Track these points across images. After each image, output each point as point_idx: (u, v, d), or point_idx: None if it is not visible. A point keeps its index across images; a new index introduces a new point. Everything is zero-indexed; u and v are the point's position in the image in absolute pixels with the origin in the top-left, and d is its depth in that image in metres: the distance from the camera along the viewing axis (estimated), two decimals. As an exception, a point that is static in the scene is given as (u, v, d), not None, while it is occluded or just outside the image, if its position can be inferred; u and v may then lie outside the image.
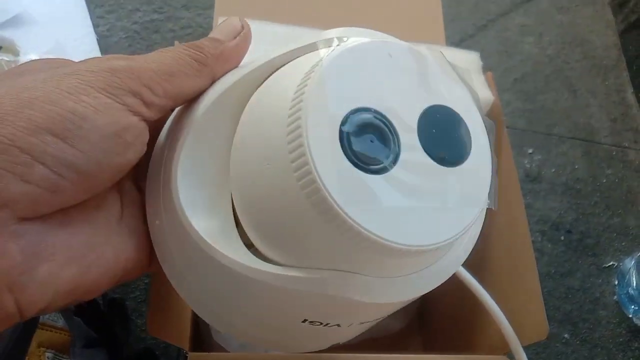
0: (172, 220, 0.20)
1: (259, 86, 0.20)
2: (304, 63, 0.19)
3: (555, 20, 0.78)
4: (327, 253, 0.18)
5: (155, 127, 0.22)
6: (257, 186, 0.18)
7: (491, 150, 0.20)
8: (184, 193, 0.20)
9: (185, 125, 0.20)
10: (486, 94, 0.40)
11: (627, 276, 0.61)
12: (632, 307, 0.60)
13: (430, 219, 0.17)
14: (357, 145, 0.17)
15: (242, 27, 0.22)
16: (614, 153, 0.70)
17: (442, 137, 0.18)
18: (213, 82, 0.21)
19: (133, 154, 0.19)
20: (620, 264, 0.63)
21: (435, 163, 0.18)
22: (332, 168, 0.16)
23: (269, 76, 0.20)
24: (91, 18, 0.61)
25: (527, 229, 0.40)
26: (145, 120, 0.19)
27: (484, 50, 0.73)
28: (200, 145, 0.20)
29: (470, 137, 0.19)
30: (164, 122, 0.23)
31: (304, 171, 0.16)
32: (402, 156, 0.17)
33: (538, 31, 0.76)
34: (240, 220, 0.19)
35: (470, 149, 0.19)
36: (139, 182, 0.23)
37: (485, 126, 0.20)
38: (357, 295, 0.18)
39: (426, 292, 0.20)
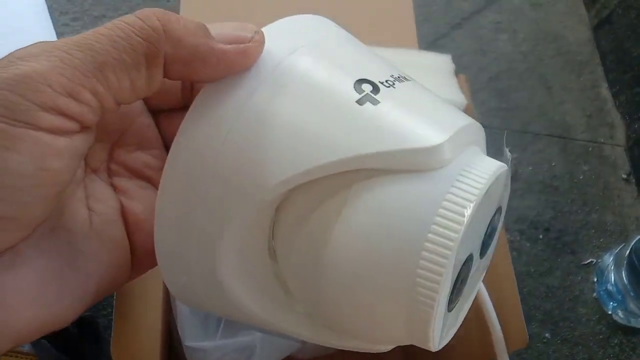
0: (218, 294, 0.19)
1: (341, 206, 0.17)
2: (421, 203, 0.16)
3: (528, 16, 0.78)
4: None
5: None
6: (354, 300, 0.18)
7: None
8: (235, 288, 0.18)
9: (216, 233, 0.17)
10: (459, 98, 0.39)
11: (606, 273, 0.60)
12: (611, 303, 0.60)
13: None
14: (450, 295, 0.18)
15: (250, 39, 0.17)
16: (590, 149, 0.70)
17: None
18: (186, 82, 0.17)
19: (68, 175, 0.16)
20: (599, 260, 0.63)
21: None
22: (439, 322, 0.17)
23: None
24: (55, 27, 0.60)
25: (503, 235, 0.40)
26: (78, 132, 0.16)
27: (458, 48, 0.73)
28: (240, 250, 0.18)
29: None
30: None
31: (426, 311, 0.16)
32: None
33: (512, 28, 0.76)
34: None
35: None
36: (111, 162, 0.20)
37: (460, 108, 0.21)
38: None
39: None
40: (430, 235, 0.15)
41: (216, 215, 0.17)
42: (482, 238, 0.18)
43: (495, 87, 0.71)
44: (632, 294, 0.57)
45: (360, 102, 0.17)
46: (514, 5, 0.78)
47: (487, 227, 0.18)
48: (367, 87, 0.17)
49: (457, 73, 0.45)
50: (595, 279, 0.62)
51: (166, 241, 0.18)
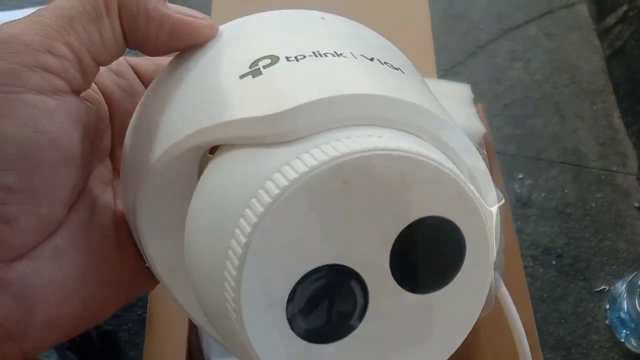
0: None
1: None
2: (253, 177, 0.14)
3: (543, 45, 0.79)
4: None
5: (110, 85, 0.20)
6: (216, 327, 0.16)
7: (499, 232, 0.16)
8: (159, 263, 0.18)
9: (141, 173, 0.17)
10: (478, 126, 0.40)
11: (619, 300, 0.61)
12: (624, 331, 0.60)
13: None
14: (310, 316, 0.13)
15: (205, 19, 0.18)
16: (603, 177, 0.70)
17: (424, 258, 0.14)
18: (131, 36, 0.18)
19: (68, 141, 0.16)
20: (612, 287, 0.63)
21: (414, 295, 0.14)
22: (280, 351, 0.13)
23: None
24: None
25: (519, 259, 0.40)
26: (68, 93, 0.16)
27: (473, 76, 0.74)
28: (162, 199, 0.18)
29: (463, 243, 0.15)
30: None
31: (247, 353, 0.14)
32: (371, 304, 0.14)
33: (526, 57, 0.78)
34: None
35: (464, 258, 0.15)
36: None
37: (480, 137, 0.18)
38: None
39: None
40: (240, 220, 0.13)
41: (136, 174, 0.18)
42: (381, 252, 0.14)
43: (511, 114, 0.73)
44: (644, 322, 0.57)
45: (242, 76, 0.16)
46: (528, 35, 0.80)
47: (396, 240, 0.14)
48: (264, 62, 0.16)
49: (474, 101, 0.47)
50: (608, 306, 0.62)
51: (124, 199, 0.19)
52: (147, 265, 0.20)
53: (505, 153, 0.70)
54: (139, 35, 0.18)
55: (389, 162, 0.13)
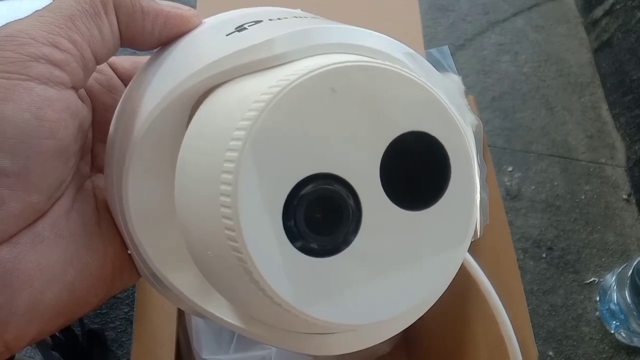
0: (148, 269, 0.19)
1: (200, 103, 0.17)
2: (243, 98, 0.15)
3: (530, 38, 0.79)
4: (286, 324, 0.17)
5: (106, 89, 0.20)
6: (206, 265, 0.16)
7: (477, 160, 0.17)
8: (149, 247, 0.18)
9: (127, 147, 0.18)
10: (470, 118, 0.40)
11: (609, 292, 0.61)
12: (614, 322, 0.60)
13: (403, 283, 0.15)
14: (307, 228, 0.14)
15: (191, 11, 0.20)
16: (592, 169, 0.71)
17: (412, 174, 0.15)
18: (127, 32, 0.19)
19: (65, 132, 0.17)
20: (601, 279, 0.64)
21: (405, 211, 0.15)
22: (278, 263, 0.14)
23: (215, 88, 0.17)
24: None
25: (512, 252, 0.40)
26: (68, 87, 0.17)
27: (462, 69, 0.74)
28: (150, 175, 0.18)
29: (447, 160, 0.15)
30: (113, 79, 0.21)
31: (247, 269, 0.14)
32: (364, 218, 0.14)
33: (514, 50, 0.78)
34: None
35: (449, 175, 0.15)
36: None
37: (472, 129, 0.18)
38: (319, 350, 0.17)
39: (396, 333, 0.19)
40: (235, 132, 0.14)
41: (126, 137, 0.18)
42: (372, 164, 0.14)
43: (499, 107, 0.72)
44: (635, 313, 0.57)
45: (229, 34, 0.17)
46: (516, 28, 0.80)
47: (384, 154, 0.14)
48: (248, 24, 0.18)
49: (465, 93, 0.46)
50: (598, 298, 0.63)
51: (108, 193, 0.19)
52: (129, 252, 0.19)
53: (494, 146, 0.70)
54: (136, 29, 0.19)
55: (375, 73, 0.14)
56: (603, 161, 0.72)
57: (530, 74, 0.76)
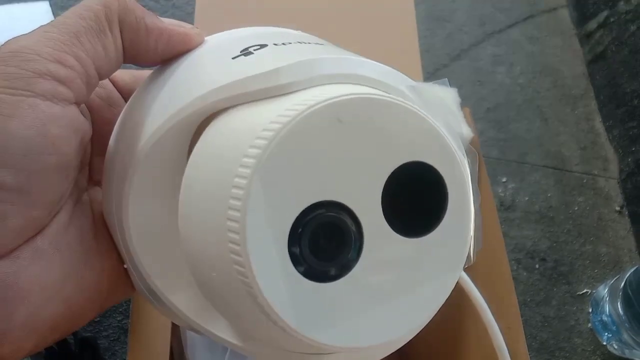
0: (144, 284, 0.19)
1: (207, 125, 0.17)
2: (252, 126, 0.15)
3: (525, 50, 0.80)
4: (286, 344, 0.17)
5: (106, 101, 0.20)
6: (209, 285, 0.16)
7: (473, 186, 0.17)
8: (147, 263, 0.18)
9: (129, 164, 0.18)
10: (467, 131, 0.40)
11: (601, 304, 0.61)
12: (606, 334, 0.61)
13: (400, 308, 0.15)
14: (311, 254, 0.14)
15: (192, 30, 0.20)
16: (585, 181, 0.71)
17: (411, 202, 0.16)
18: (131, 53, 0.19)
19: (68, 147, 0.17)
20: (594, 291, 0.64)
21: (405, 238, 0.15)
22: (282, 287, 0.14)
23: (220, 112, 0.17)
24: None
25: (507, 263, 0.40)
26: (72, 103, 0.17)
27: (457, 79, 0.74)
28: (150, 193, 0.18)
29: (445, 189, 0.16)
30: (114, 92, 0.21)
31: (252, 293, 0.14)
32: (366, 245, 0.15)
33: (509, 61, 0.78)
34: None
35: (447, 204, 0.16)
36: None
37: (467, 156, 0.18)
38: None
39: (391, 352, 0.19)
40: (244, 159, 0.14)
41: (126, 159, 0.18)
42: (374, 193, 0.15)
43: (494, 118, 0.73)
44: (627, 325, 0.57)
45: (235, 57, 0.17)
46: (511, 39, 0.80)
47: (386, 182, 0.15)
48: (253, 48, 0.18)
49: (461, 105, 0.47)
50: (591, 310, 0.63)
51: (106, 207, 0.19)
52: (125, 266, 0.20)
53: (488, 156, 0.70)
54: (140, 46, 0.19)
55: (380, 105, 0.15)
56: (596, 173, 0.72)
57: (525, 85, 0.77)
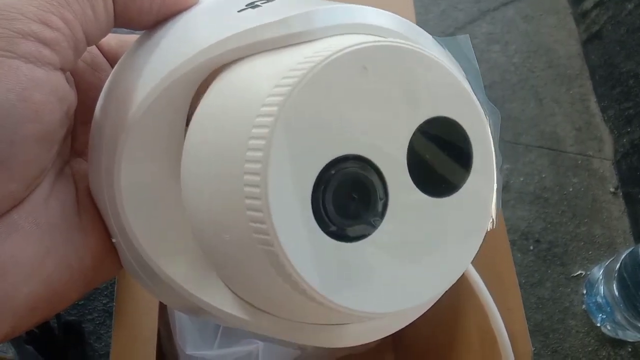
0: (136, 258, 0.18)
1: (210, 81, 0.16)
2: (269, 74, 0.14)
3: (520, 28, 0.78)
4: (300, 314, 0.16)
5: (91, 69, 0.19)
6: (218, 249, 0.15)
7: (495, 148, 0.17)
8: (141, 232, 0.17)
9: (120, 129, 0.17)
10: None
11: (596, 285, 0.61)
12: (600, 315, 0.60)
13: (426, 269, 0.15)
14: (335, 211, 0.13)
15: None
16: (579, 162, 0.70)
17: (435, 160, 0.15)
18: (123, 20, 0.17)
19: (51, 116, 0.16)
20: (588, 272, 0.63)
21: (430, 198, 0.15)
22: (305, 247, 0.13)
23: (225, 66, 0.16)
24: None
25: (507, 243, 0.39)
26: (57, 69, 0.16)
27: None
28: (144, 158, 0.17)
29: (470, 148, 0.15)
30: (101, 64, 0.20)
31: (273, 252, 0.13)
32: (391, 204, 0.14)
33: (504, 40, 0.77)
34: (213, 269, 0.17)
35: (472, 163, 0.15)
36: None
37: (488, 114, 0.18)
38: (332, 343, 0.17)
39: (408, 323, 0.19)
40: (263, 108, 0.13)
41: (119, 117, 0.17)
42: (399, 149, 0.14)
43: (490, 97, 0.72)
44: (621, 306, 0.57)
45: (241, 10, 0.17)
46: (506, 17, 0.79)
47: (411, 139, 0.14)
48: (260, 2, 0.17)
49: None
50: (585, 291, 0.62)
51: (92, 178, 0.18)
52: (114, 240, 0.18)
53: (483, 137, 0.69)
54: (134, 9, 0.18)
55: (405, 54, 0.14)
56: (591, 154, 0.71)
57: (520, 65, 0.75)
